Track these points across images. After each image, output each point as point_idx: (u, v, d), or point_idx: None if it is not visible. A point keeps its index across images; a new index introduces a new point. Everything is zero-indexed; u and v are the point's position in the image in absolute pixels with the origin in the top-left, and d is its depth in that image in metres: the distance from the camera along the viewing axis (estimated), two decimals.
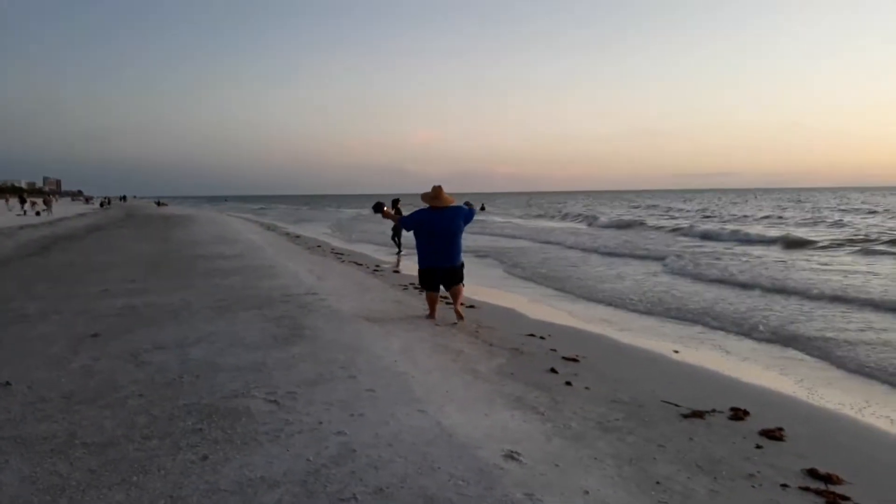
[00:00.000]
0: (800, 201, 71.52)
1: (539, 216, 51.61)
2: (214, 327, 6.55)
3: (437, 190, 7.76)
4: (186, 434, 3.66)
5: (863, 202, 62.01)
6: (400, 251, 18.11)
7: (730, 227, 30.03)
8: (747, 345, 7.42)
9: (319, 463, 3.26)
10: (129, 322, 6.94)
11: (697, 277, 13.15)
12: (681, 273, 13.88)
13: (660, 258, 16.74)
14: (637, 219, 39.28)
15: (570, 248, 20.90)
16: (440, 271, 7.75)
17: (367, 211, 39.99)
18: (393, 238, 18.65)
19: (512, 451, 3.48)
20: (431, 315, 7.82)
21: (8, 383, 4.67)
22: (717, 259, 16.36)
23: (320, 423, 3.82)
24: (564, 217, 48.90)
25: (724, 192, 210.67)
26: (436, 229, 7.69)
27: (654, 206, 65.35)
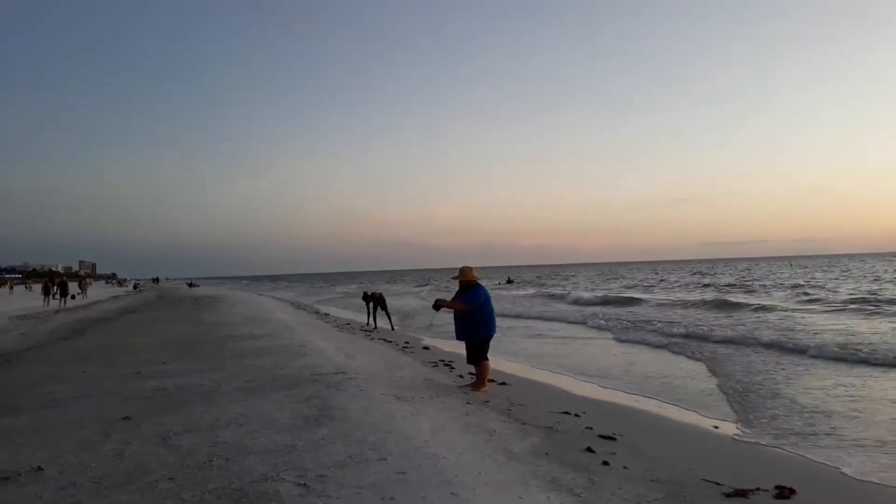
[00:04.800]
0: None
1: None
2: (244, 409, 6.52)
3: (470, 269, 8.32)
4: None
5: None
6: (374, 326, 19.20)
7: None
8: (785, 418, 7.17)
9: None
10: (159, 404, 6.94)
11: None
12: None
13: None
14: None
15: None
16: (491, 338, 8.31)
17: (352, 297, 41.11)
18: (370, 316, 19.79)
19: None
20: (484, 385, 8.14)
21: (40, 468, 4.67)
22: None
23: None
24: None
25: (756, 260, 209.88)
26: (489, 301, 8.31)
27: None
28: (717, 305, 25.84)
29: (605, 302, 31.33)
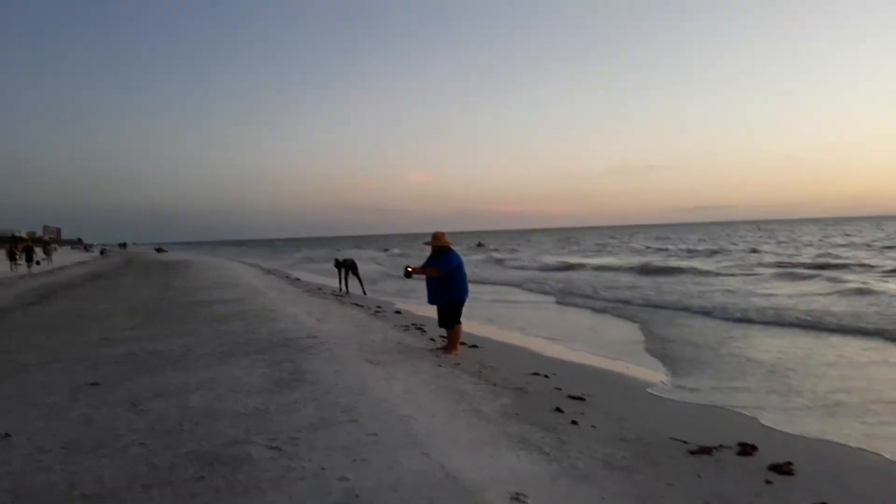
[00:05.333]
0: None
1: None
2: (215, 373, 6.50)
3: (443, 234, 8.36)
4: (188, 483, 3.61)
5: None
6: (346, 291, 19.35)
7: None
8: (753, 377, 7.37)
9: None
10: (129, 370, 6.89)
11: None
12: None
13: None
14: None
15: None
16: (463, 303, 8.35)
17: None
18: (342, 282, 19.93)
19: (518, 493, 3.43)
20: (455, 348, 8.19)
21: (7, 434, 4.62)
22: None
23: (323, 468, 3.76)
24: None
25: (722, 224, 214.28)
26: (461, 265, 8.36)
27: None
28: (654, 271, 26.50)
29: (548, 268, 31.85)
